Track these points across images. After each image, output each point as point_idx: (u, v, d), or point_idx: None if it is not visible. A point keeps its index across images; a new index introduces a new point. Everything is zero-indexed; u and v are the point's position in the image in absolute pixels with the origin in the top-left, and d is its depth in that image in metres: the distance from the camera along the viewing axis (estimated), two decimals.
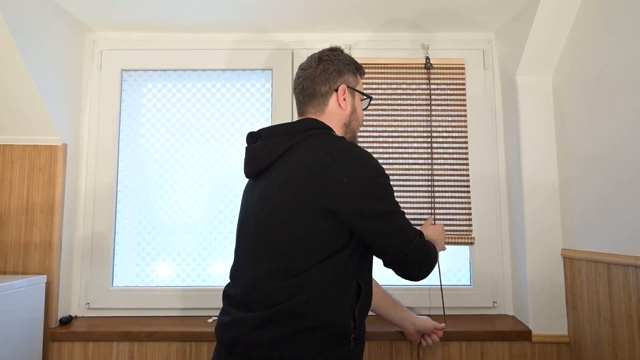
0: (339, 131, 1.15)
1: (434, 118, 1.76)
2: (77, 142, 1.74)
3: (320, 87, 1.13)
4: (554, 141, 1.61)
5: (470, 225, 1.71)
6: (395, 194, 1.69)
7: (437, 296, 1.68)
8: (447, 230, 1.70)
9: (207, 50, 1.81)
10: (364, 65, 1.77)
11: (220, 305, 1.20)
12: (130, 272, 1.75)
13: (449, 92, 1.77)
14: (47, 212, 1.59)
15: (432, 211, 1.71)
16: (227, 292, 1.10)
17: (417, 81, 1.78)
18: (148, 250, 1.76)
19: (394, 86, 1.78)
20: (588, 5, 1.42)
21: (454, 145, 1.75)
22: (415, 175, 1.73)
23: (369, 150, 1.72)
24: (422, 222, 1.69)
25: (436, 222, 1.68)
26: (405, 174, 1.73)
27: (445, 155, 1.75)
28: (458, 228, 1.71)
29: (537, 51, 1.57)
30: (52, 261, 1.58)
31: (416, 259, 1.05)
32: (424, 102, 1.77)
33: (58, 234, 1.59)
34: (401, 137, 1.76)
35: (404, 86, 1.78)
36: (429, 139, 1.75)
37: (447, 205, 1.72)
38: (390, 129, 1.76)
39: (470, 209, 1.72)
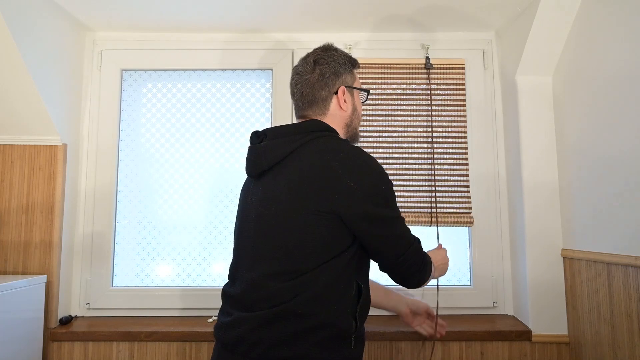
0: (341, 131, 1.16)
1: (434, 118, 1.76)
2: (77, 142, 1.74)
3: (319, 93, 1.13)
4: (554, 141, 1.61)
5: (471, 225, 1.71)
6: (396, 193, 1.71)
7: (432, 296, 1.67)
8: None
9: (207, 50, 1.81)
10: (364, 65, 1.78)
11: (220, 304, 1.19)
12: (130, 272, 1.75)
13: (449, 92, 1.77)
14: (47, 212, 1.59)
15: (433, 210, 1.71)
16: (227, 292, 1.10)
17: (417, 81, 1.78)
18: (148, 250, 1.76)
19: (394, 86, 1.78)
20: (588, 5, 1.42)
21: (454, 145, 1.75)
22: (416, 175, 1.74)
23: (369, 150, 1.73)
24: (422, 222, 1.70)
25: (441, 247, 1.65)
26: (406, 174, 1.74)
27: (446, 155, 1.75)
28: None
29: (537, 51, 1.57)
30: (52, 261, 1.58)
31: (413, 263, 1.07)
32: (424, 102, 1.77)
33: (58, 234, 1.60)
34: (401, 137, 1.76)
35: (404, 86, 1.78)
36: (429, 139, 1.75)
37: (448, 205, 1.72)
38: (390, 129, 1.76)
39: (470, 209, 1.72)
